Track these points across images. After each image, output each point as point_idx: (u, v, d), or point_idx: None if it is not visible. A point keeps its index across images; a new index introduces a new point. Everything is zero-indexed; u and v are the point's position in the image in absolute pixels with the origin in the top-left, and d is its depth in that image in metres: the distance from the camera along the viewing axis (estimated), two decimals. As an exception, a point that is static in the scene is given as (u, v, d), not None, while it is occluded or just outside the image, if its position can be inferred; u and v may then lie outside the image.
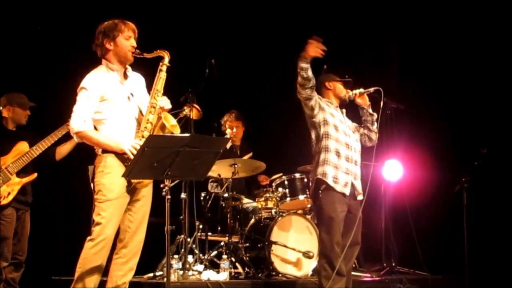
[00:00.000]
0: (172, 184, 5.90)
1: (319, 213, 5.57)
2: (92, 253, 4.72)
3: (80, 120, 4.80)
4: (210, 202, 7.17)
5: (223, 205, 7.15)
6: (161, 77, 5.00)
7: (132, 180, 4.80)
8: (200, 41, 8.12)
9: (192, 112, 6.70)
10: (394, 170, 7.62)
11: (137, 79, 5.13)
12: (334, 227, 5.41)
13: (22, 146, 6.23)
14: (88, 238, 4.76)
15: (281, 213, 7.11)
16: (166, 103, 4.99)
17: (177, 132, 4.90)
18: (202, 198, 7.28)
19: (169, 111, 5.02)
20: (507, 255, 7.41)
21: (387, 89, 5.54)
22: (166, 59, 5.02)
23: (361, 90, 5.67)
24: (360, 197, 5.61)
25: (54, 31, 7.56)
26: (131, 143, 4.80)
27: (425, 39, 8.15)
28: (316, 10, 8.37)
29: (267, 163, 7.27)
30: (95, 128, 4.88)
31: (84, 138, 4.85)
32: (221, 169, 7.06)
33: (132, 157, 4.70)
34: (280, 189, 7.31)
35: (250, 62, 8.55)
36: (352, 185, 5.55)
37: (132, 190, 4.86)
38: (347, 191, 5.50)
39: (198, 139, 4.75)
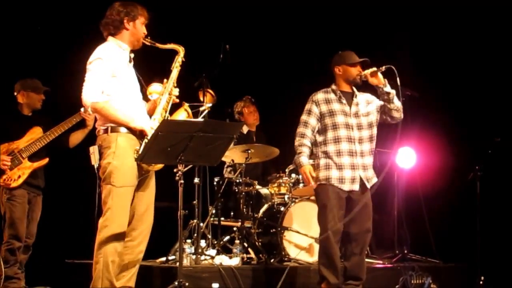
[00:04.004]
0: (186, 169, 5.90)
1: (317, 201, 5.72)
2: (106, 236, 4.70)
3: (97, 91, 4.65)
4: (223, 187, 7.18)
5: (236, 190, 7.16)
6: (178, 69, 5.01)
7: (144, 165, 4.80)
8: (214, 26, 8.10)
9: (206, 97, 6.71)
10: (407, 158, 7.61)
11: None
12: (328, 214, 5.50)
13: (36, 131, 6.25)
14: (102, 223, 4.71)
15: (294, 199, 7.12)
16: (177, 94, 5.03)
17: None
18: (215, 183, 7.30)
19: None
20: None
21: (401, 76, 5.51)
22: (182, 54, 5.03)
23: (374, 69, 5.55)
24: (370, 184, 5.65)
25: (67, 17, 7.54)
26: (150, 125, 4.73)
27: (438, 25, 8.08)
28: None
29: (282, 150, 7.26)
30: None
31: (100, 110, 4.69)
32: (234, 155, 7.07)
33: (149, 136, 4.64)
34: (293, 175, 7.31)
35: (265, 48, 8.52)
36: (360, 179, 5.57)
37: (144, 175, 4.87)
38: (356, 187, 5.54)
39: (212, 124, 4.74)
